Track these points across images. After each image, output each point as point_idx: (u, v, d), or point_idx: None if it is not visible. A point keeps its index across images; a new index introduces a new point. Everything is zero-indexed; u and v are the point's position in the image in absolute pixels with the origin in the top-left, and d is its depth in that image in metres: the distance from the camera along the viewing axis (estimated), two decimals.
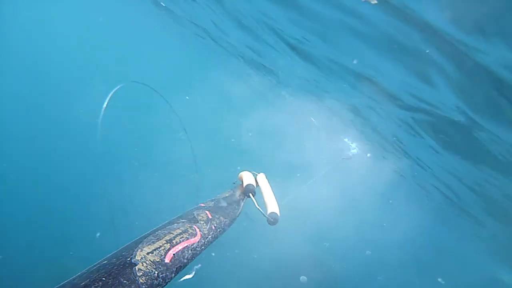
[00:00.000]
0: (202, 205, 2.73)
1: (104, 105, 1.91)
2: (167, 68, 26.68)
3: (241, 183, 3.46)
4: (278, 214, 2.87)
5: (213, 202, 2.86)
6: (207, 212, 2.50)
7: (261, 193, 3.21)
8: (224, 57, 14.28)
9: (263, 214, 2.87)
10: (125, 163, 21.69)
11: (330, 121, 13.13)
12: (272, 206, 2.93)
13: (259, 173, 3.58)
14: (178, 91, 21.82)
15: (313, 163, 24.61)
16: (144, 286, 1.49)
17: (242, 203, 3.24)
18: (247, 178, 3.16)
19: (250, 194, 2.92)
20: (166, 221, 2.14)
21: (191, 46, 17.06)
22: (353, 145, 14.15)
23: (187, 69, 24.28)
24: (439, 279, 22.33)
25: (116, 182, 18.58)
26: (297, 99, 13.43)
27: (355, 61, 6.23)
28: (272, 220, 2.80)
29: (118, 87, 2.09)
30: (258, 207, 2.94)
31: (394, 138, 9.88)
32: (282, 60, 9.42)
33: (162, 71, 26.81)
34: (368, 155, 14.52)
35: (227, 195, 3.20)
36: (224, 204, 2.92)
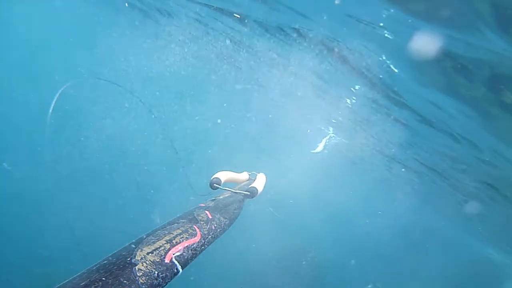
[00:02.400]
0: (202, 205, 2.74)
1: (53, 102, 1.85)
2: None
3: (247, 181, 3.95)
4: (258, 190, 3.30)
5: (213, 202, 2.87)
6: (207, 212, 2.51)
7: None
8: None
9: (237, 192, 3.23)
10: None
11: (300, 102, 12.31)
12: (256, 185, 3.38)
13: (259, 173, 3.91)
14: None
15: (284, 154, 24.40)
16: (144, 286, 1.48)
17: (243, 203, 3.31)
18: (220, 174, 3.42)
19: (215, 184, 3.11)
20: (166, 221, 2.14)
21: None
22: (330, 130, 13.54)
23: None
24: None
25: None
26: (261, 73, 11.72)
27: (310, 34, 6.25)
28: (249, 193, 3.19)
29: (69, 83, 1.99)
30: (226, 189, 3.23)
31: (366, 119, 9.90)
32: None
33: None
34: (343, 140, 14.19)
35: (227, 195, 3.22)
36: (224, 204, 2.94)
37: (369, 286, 18.99)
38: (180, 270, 1.84)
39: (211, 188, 3.13)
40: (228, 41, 9.91)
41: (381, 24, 4.76)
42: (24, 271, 12.02)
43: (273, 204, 20.43)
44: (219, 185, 3.12)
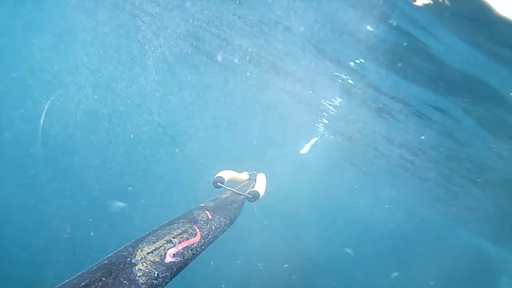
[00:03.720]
0: (202, 205, 2.73)
1: (44, 111, 1.86)
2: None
3: (247, 181, 3.90)
4: (260, 194, 3.23)
5: (213, 202, 2.86)
6: (207, 212, 2.50)
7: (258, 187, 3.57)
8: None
9: (239, 193, 3.16)
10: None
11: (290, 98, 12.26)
12: (258, 189, 3.32)
13: (258, 173, 3.89)
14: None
15: (273, 153, 24.23)
16: (144, 286, 1.48)
17: (242, 203, 3.30)
18: (223, 173, 3.40)
19: (218, 183, 3.10)
20: (166, 221, 2.14)
21: None
22: (321, 127, 13.51)
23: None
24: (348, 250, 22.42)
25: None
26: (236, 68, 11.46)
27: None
28: (251, 196, 3.13)
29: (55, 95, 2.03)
30: (229, 188, 3.18)
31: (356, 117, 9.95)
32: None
33: None
34: (332, 137, 14.16)
35: (227, 194, 3.21)
36: (224, 204, 2.93)
37: (396, 273, 19.16)
38: (181, 269, 1.83)
39: (214, 187, 3.12)
40: (208, 35, 9.73)
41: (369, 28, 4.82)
42: (15, 278, 11.83)
43: (269, 204, 20.44)
44: (223, 184, 3.11)
